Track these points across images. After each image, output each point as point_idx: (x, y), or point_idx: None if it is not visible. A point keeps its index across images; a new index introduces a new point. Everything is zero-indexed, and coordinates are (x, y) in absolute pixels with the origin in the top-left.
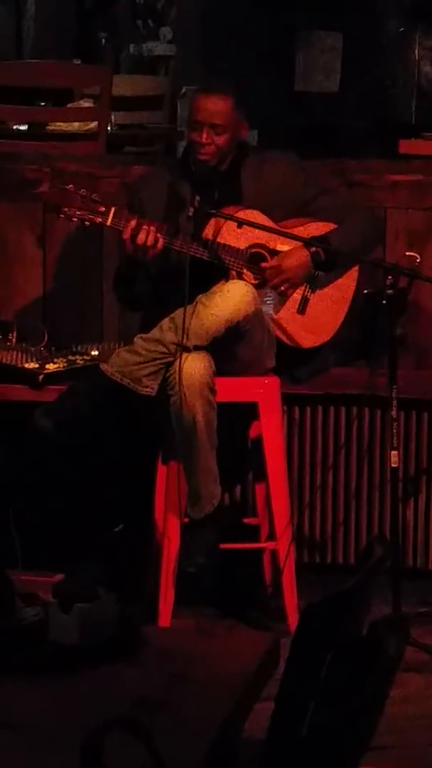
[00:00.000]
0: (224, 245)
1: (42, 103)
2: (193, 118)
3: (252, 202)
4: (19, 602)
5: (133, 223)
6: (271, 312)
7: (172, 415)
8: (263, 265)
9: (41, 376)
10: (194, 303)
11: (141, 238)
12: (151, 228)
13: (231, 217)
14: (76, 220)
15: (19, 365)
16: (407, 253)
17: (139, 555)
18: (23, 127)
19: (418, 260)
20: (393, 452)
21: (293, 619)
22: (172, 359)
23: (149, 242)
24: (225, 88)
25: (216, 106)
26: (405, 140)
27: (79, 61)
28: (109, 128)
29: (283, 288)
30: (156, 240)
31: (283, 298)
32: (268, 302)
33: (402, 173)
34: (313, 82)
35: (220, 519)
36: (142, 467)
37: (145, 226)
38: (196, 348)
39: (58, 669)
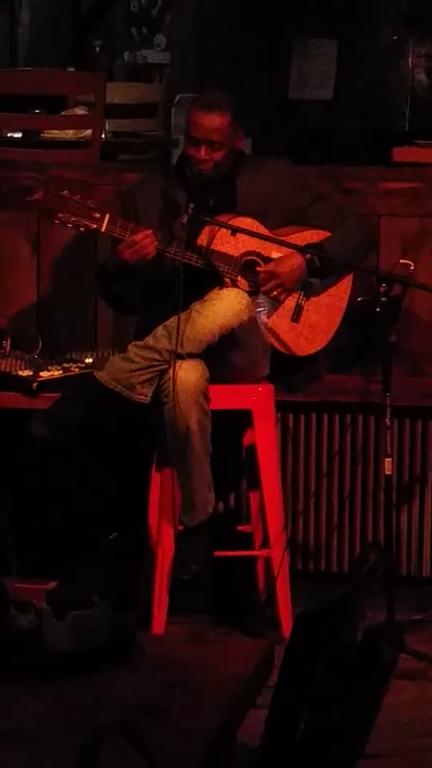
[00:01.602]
0: (218, 253)
1: (36, 111)
2: (191, 134)
3: (246, 210)
4: (13, 609)
5: (137, 237)
6: (265, 319)
7: (167, 423)
8: (258, 269)
9: (35, 384)
10: (188, 310)
11: (144, 243)
12: (149, 238)
13: (225, 225)
14: (70, 226)
15: (13, 372)
16: (401, 261)
17: (133, 562)
18: (17, 135)
19: (411, 268)
20: (387, 459)
21: (287, 627)
22: (166, 366)
23: (148, 250)
24: (222, 102)
25: (213, 123)
26: (399, 148)
27: (73, 69)
28: (103, 136)
29: (276, 293)
30: (149, 250)
31: (276, 304)
32: (262, 309)
33: (396, 181)
34: (308, 90)
35: (213, 526)
36: (136, 474)
37: (144, 236)
38: (190, 355)
39: (52, 676)
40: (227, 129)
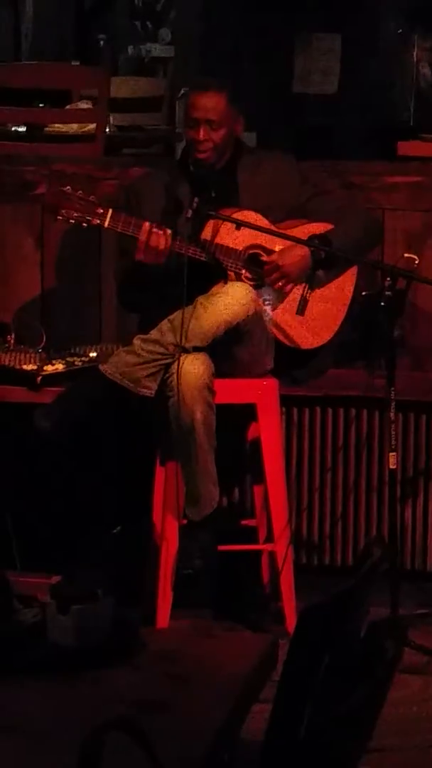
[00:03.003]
0: (222, 246)
1: (40, 105)
2: (190, 116)
3: (249, 203)
4: (17, 604)
5: (146, 225)
6: (270, 312)
7: (171, 416)
8: (263, 258)
9: (39, 378)
10: (193, 304)
11: (154, 241)
12: (162, 231)
13: (229, 219)
14: (73, 221)
15: (18, 367)
16: (405, 255)
17: (137, 556)
18: (21, 129)
19: (416, 262)
20: (391, 454)
21: (291, 621)
22: (171, 360)
23: (163, 246)
24: (219, 83)
25: (211, 102)
26: (403, 142)
27: (77, 63)
28: (107, 130)
29: (281, 284)
30: (167, 242)
31: (281, 296)
32: (266, 303)
33: (400, 175)
34: (312, 84)
35: (218, 521)
36: (141, 468)
37: (156, 229)
38: (196, 349)
39: (56, 671)
40: (225, 108)
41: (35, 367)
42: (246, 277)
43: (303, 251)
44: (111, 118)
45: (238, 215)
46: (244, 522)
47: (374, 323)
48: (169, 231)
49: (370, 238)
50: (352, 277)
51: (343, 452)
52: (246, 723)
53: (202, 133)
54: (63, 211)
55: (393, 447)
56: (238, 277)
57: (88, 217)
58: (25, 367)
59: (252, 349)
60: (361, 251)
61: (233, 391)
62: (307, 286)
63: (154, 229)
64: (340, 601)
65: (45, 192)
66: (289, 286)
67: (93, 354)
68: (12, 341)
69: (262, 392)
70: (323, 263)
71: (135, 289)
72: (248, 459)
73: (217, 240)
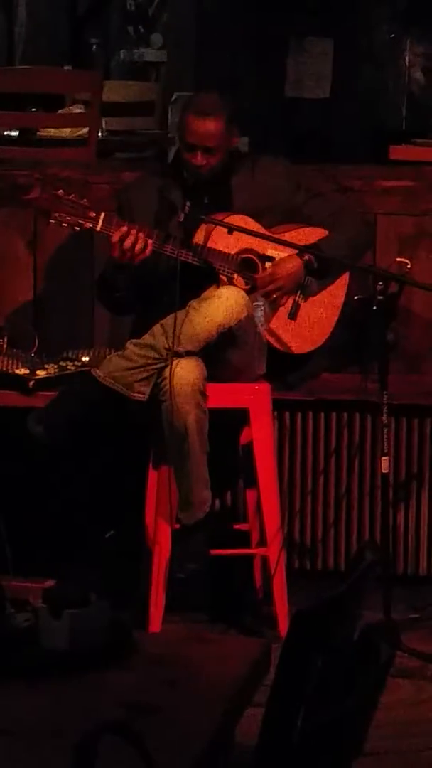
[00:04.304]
0: (215, 251)
1: (33, 109)
2: (187, 139)
3: (242, 208)
4: (9, 608)
5: (124, 228)
6: (262, 317)
7: (164, 421)
8: (256, 276)
9: (32, 382)
10: (186, 308)
11: (129, 242)
12: (141, 234)
13: (222, 223)
14: (66, 225)
15: (10, 371)
16: (398, 259)
17: (130, 560)
18: (14, 133)
19: (408, 266)
20: (384, 458)
21: (284, 625)
22: (164, 365)
23: (138, 247)
24: (217, 106)
25: (209, 129)
26: (396, 146)
27: (70, 67)
28: (99, 134)
29: (275, 296)
30: (145, 246)
31: (275, 306)
32: (259, 308)
33: (393, 179)
34: (304, 88)
35: (210, 525)
36: (134, 473)
37: (134, 232)
38: (188, 353)
39: (48, 675)
40: (222, 134)
41: (28, 371)
42: (238, 282)
43: (296, 263)
44: (104, 123)
45: (231, 219)
46: (236, 526)
47: (367, 327)
48: (148, 240)
49: (363, 243)
50: (344, 282)
51: (335, 456)
52: (239, 726)
53: (199, 158)
54: (55, 214)
55: (385, 451)
56: (231, 282)
57: (81, 221)
58: (17, 371)
59: (244, 354)
60: (354, 257)
61: (226, 395)
62: (299, 292)
63: (132, 229)
64: (333, 605)
65: (37, 196)
66: (284, 299)
67: (86, 358)
68: (4, 345)
69: (254, 396)
70: (316, 272)
71: (107, 288)
72: (241, 463)
73: (210, 244)
